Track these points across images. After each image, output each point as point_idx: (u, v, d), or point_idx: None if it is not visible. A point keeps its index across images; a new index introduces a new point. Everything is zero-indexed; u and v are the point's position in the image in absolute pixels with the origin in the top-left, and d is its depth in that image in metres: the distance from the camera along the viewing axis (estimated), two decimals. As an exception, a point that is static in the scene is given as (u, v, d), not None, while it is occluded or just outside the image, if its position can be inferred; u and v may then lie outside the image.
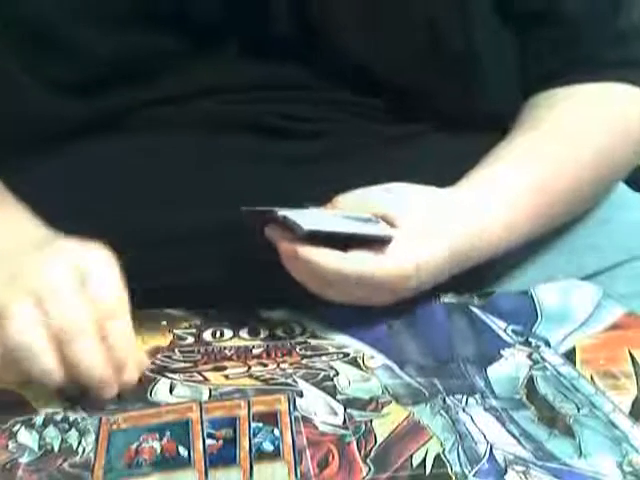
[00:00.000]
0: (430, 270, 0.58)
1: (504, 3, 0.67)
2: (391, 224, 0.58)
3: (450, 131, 0.67)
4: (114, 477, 0.46)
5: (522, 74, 0.70)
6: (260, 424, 0.50)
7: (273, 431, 0.49)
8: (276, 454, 0.47)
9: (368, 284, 0.57)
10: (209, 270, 0.62)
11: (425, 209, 0.60)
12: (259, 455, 0.47)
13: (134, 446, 0.48)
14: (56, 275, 0.52)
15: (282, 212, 0.56)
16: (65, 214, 0.61)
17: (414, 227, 0.58)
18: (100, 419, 0.51)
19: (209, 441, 0.49)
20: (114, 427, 0.50)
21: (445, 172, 0.63)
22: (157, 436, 0.49)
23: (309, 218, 0.56)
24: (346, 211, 0.58)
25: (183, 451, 0.48)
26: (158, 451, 0.48)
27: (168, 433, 0.49)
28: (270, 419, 0.50)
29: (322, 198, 0.61)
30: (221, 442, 0.48)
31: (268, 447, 0.48)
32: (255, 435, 0.49)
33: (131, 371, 0.52)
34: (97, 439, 0.49)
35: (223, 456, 0.47)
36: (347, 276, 0.56)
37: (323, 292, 0.58)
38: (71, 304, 0.51)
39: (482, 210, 0.62)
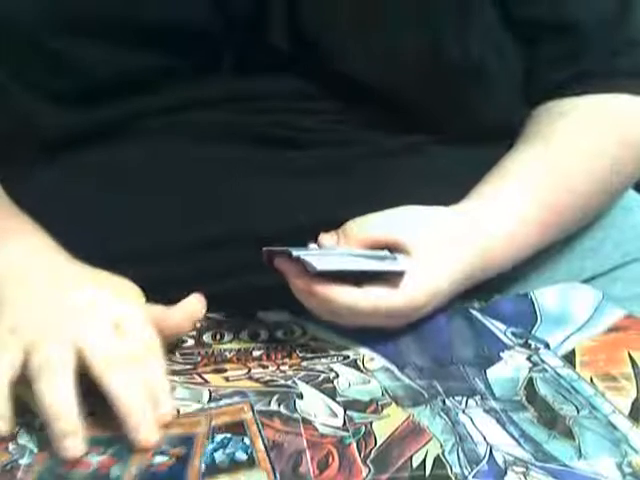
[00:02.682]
0: (441, 298, 0.59)
1: (505, 9, 0.67)
2: (403, 251, 0.58)
3: (451, 143, 0.67)
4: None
5: (529, 84, 0.70)
6: (228, 434, 0.50)
7: (243, 439, 0.49)
8: (251, 463, 0.47)
9: (381, 316, 0.57)
10: (213, 280, 0.62)
11: (436, 234, 0.59)
12: (235, 465, 0.47)
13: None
14: (94, 328, 0.53)
15: (296, 252, 0.55)
16: (63, 224, 0.61)
17: (426, 255, 0.58)
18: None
19: (160, 458, 0.48)
20: None
21: (446, 185, 0.63)
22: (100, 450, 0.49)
23: (322, 257, 0.56)
24: (362, 249, 0.58)
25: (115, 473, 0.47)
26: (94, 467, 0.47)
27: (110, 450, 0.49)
28: (237, 429, 0.50)
29: (324, 210, 0.61)
30: (173, 460, 0.48)
31: (242, 456, 0.48)
32: (226, 446, 0.48)
33: (167, 407, 0.51)
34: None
35: (172, 475, 0.46)
36: (361, 311, 0.56)
37: (335, 320, 0.58)
38: (106, 341, 0.52)
39: (491, 229, 0.62)
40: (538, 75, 0.69)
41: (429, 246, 0.58)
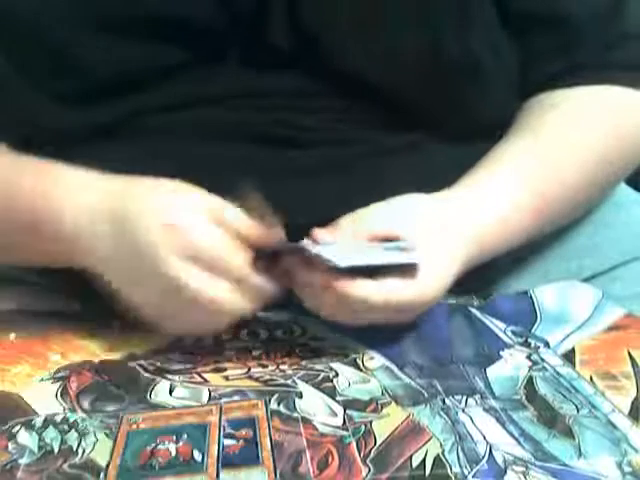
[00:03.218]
0: (447, 287, 0.59)
1: (500, 4, 0.67)
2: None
3: (449, 140, 0.67)
4: (127, 478, 0.46)
5: (522, 77, 0.70)
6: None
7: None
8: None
9: (391, 310, 0.56)
10: None
11: (432, 225, 0.59)
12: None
13: (150, 447, 0.48)
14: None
15: (314, 249, 0.55)
16: None
17: (428, 248, 0.57)
18: (121, 418, 0.51)
19: (229, 441, 0.49)
20: (133, 427, 0.50)
21: (445, 182, 0.63)
22: (174, 438, 0.49)
23: (339, 252, 0.55)
24: (369, 242, 0.57)
25: (198, 455, 0.48)
26: (173, 454, 0.48)
27: (185, 436, 0.49)
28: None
29: (324, 208, 0.61)
30: (242, 442, 0.49)
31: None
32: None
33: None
34: (115, 438, 0.49)
35: (246, 456, 0.47)
36: (373, 304, 0.55)
37: (344, 318, 0.58)
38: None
39: (485, 214, 0.62)
40: (531, 68, 0.69)
41: (429, 239, 0.58)
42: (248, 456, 0.47)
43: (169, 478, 0.46)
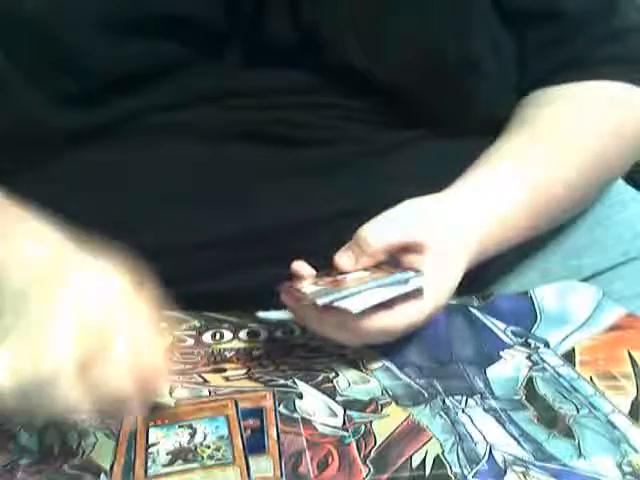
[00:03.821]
0: (454, 289, 0.59)
1: (502, 3, 0.67)
2: (419, 251, 0.57)
3: (449, 137, 0.67)
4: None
5: (519, 73, 0.70)
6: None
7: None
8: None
9: (412, 328, 0.57)
10: (212, 279, 0.62)
11: (441, 229, 0.58)
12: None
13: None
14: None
15: (321, 300, 0.53)
16: (62, 221, 0.61)
17: (439, 254, 0.57)
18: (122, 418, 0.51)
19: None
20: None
21: (445, 178, 0.63)
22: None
23: (346, 297, 0.53)
24: (372, 271, 0.56)
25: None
26: None
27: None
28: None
29: (324, 207, 0.61)
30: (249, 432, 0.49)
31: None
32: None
33: None
34: (118, 437, 0.49)
35: (253, 445, 0.48)
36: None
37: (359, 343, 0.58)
38: None
39: (487, 214, 0.61)
40: (528, 64, 0.69)
41: (440, 245, 0.58)
42: (255, 445, 0.48)
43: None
